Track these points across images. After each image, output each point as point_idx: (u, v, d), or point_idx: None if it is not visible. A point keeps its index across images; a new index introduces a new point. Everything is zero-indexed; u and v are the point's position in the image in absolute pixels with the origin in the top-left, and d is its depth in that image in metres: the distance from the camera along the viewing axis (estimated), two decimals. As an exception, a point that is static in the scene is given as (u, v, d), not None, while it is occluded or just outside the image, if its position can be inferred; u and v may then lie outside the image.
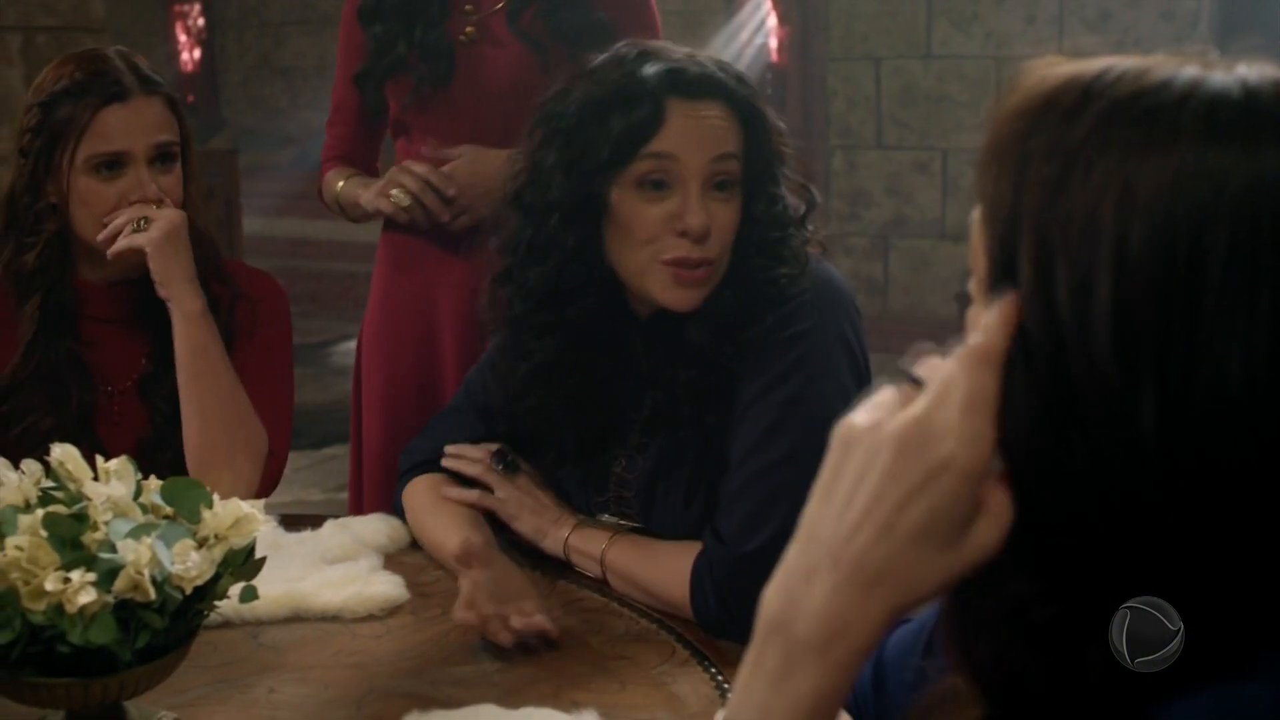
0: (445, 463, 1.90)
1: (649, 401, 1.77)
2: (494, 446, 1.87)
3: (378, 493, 2.36)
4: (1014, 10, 6.52)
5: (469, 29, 2.26)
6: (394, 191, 2.19)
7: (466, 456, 1.88)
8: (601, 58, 1.73)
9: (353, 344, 2.63)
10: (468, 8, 2.27)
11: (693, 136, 1.66)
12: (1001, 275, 0.76)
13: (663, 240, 1.66)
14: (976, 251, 0.80)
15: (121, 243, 1.94)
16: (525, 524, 1.81)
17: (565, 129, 1.69)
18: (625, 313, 1.76)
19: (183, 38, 12.13)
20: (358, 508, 2.41)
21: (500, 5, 2.26)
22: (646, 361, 1.76)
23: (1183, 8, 6.25)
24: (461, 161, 2.22)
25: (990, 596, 0.76)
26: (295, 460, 4.16)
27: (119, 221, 1.94)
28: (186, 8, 12.12)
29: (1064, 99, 0.77)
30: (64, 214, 1.97)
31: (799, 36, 7.54)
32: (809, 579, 0.77)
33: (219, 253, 2.11)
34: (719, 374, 1.70)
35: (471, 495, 1.84)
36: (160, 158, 1.97)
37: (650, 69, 1.67)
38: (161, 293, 1.97)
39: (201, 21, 12.05)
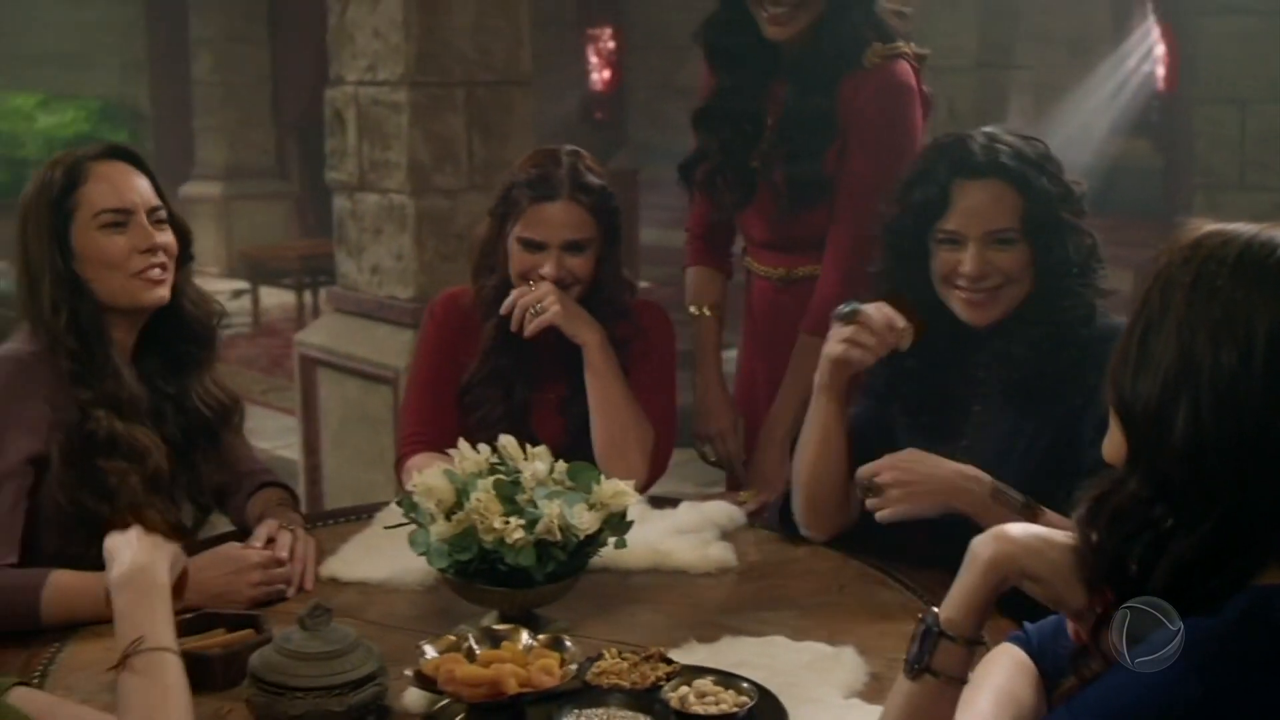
0: None
1: (982, 391, 2.31)
2: None
3: None
4: (1385, 58, 6.55)
5: (754, 163, 2.81)
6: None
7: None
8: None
9: (735, 351, 3.21)
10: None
11: (973, 214, 2.23)
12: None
13: (954, 275, 2.25)
14: None
15: (534, 326, 2.53)
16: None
17: (896, 199, 2.33)
18: (964, 327, 2.29)
19: (594, 59, 13.16)
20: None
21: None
22: (982, 367, 2.30)
23: None
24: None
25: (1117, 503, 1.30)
26: (677, 455, 4.69)
27: (521, 313, 2.54)
28: (599, 32, 13.11)
29: None
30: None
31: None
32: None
33: (632, 294, 2.72)
34: (1044, 379, 2.22)
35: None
36: (570, 248, 2.57)
37: (942, 157, 2.27)
38: (573, 340, 2.58)
39: (612, 45, 13.05)
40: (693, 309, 3.03)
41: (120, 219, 2.29)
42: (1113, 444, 1.35)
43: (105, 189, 2.30)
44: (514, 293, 2.57)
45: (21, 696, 1.64)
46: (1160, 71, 11.30)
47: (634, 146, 11.97)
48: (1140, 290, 1.34)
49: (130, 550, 1.72)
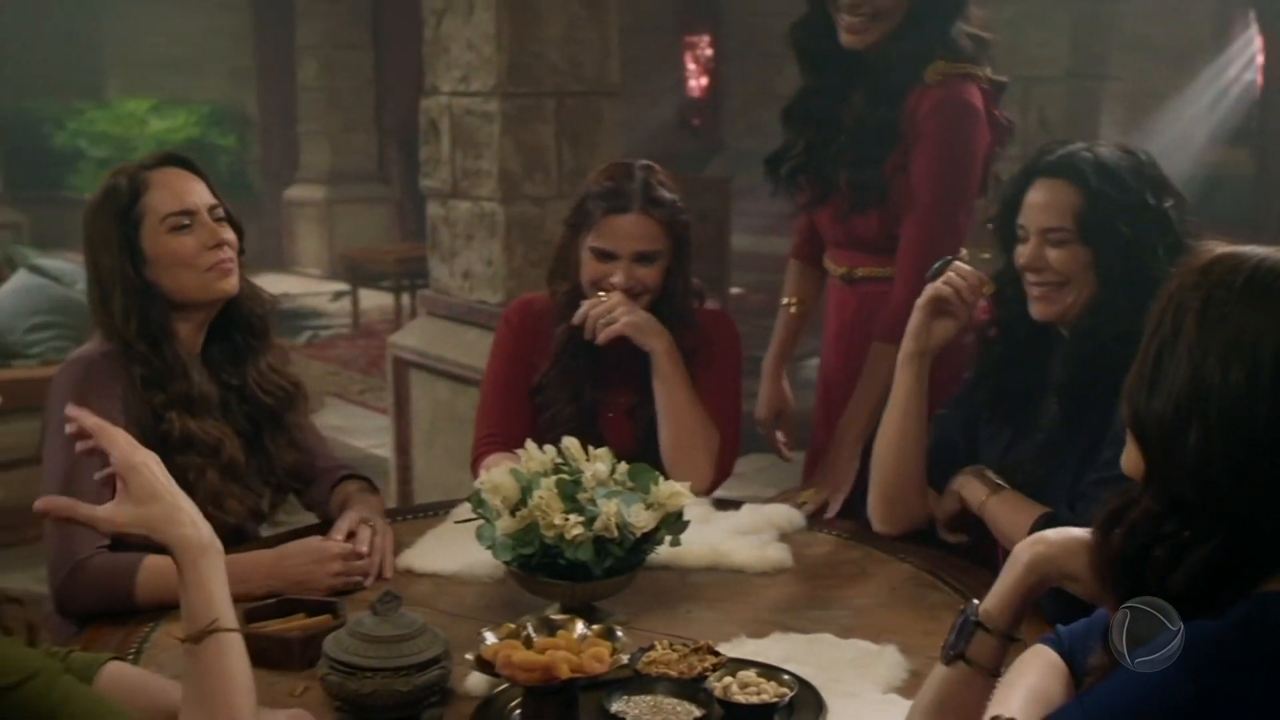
0: None
1: (1053, 398, 2.37)
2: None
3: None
4: None
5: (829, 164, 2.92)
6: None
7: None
8: None
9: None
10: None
11: (1034, 209, 2.35)
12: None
13: (1021, 268, 2.37)
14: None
15: (605, 335, 2.65)
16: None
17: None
18: (1050, 331, 2.40)
19: (691, 66, 13.23)
20: None
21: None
22: (1062, 370, 2.37)
23: None
24: None
25: (1133, 515, 1.38)
26: (757, 461, 4.71)
27: (593, 323, 2.65)
28: (696, 39, 13.17)
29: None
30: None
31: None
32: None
33: (700, 302, 2.82)
34: (1092, 386, 2.27)
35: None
36: (640, 259, 2.68)
37: (1032, 158, 2.38)
38: (642, 347, 2.68)
39: (710, 52, 13.12)
40: (784, 300, 3.23)
41: (186, 220, 2.46)
42: (1130, 459, 1.43)
43: (167, 195, 2.47)
44: (585, 304, 2.69)
45: (115, 670, 1.79)
46: (1260, 80, 11.16)
47: (730, 153, 12.03)
48: (1155, 312, 1.41)
49: (165, 483, 1.71)
